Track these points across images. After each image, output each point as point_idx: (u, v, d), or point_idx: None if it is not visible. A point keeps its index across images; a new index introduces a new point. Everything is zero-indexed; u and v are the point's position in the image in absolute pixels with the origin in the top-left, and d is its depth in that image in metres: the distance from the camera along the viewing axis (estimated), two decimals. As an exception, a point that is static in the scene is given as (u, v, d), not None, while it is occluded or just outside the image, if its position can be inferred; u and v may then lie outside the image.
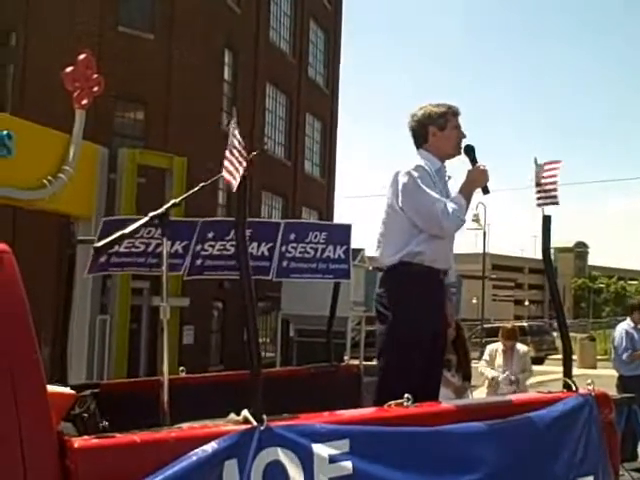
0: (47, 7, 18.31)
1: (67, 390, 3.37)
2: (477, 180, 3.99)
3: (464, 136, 4.12)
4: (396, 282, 3.92)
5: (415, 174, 3.87)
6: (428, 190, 3.83)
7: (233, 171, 2.91)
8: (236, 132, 3.00)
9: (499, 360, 8.38)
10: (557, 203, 4.07)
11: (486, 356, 8.57)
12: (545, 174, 4.08)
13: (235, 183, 2.88)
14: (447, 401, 3.73)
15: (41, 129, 12.56)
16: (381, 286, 4.02)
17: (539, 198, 4.04)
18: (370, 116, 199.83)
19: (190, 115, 19.13)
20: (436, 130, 4.07)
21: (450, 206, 3.82)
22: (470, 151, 4.07)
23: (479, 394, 9.38)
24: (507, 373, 8.26)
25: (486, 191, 4.02)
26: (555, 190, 4.02)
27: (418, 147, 4.14)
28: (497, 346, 8.58)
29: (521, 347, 8.69)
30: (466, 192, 3.95)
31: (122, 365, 15.31)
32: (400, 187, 3.90)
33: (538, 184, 4.07)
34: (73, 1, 18.49)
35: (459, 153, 4.11)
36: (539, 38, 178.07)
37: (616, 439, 3.94)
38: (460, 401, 5.57)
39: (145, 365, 17.13)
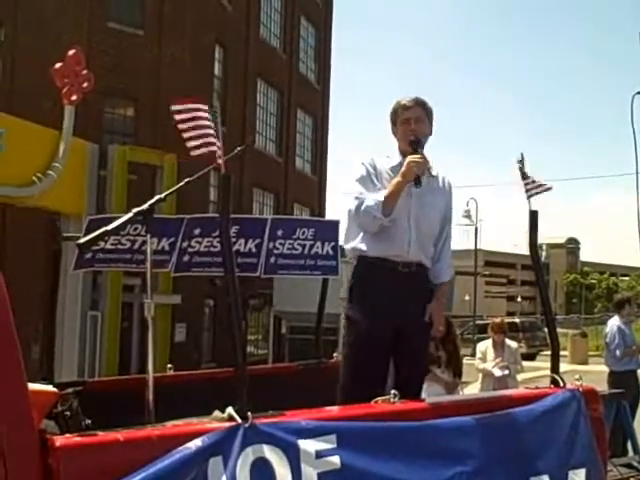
0: (36, 3, 18.22)
1: (49, 388, 3.34)
2: (406, 173, 3.66)
3: (412, 129, 3.86)
4: (352, 278, 3.91)
5: (358, 169, 3.87)
6: (358, 184, 3.80)
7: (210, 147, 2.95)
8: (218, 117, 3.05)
9: (490, 355, 8.47)
10: (550, 188, 4.06)
11: (479, 354, 8.69)
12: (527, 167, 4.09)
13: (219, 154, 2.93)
14: (433, 397, 3.71)
15: (30, 125, 12.47)
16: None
17: (528, 190, 4.02)
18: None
19: (181, 111, 19.03)
20: (392, 127, 4.03)
21: (366, 202, 3.67)
22: (415, 145, 3.80)
23: (471, 390, 9.42)
24: (499, 359, 8.33)
25: (418, 183, 3.68)
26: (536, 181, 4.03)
27: None
28: (487, 343, 8.70)
29: (511, 342, 8.82)
30: (390, 186, 3.71)
31: (113, 362, 15.24)
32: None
33: (524, 177, 4.06)
34: (62, -3, 18.43)
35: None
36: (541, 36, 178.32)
37: (604, 434, 3.94)
38: (446, 397, 5.57)
39: (136, 362, 17.08)
